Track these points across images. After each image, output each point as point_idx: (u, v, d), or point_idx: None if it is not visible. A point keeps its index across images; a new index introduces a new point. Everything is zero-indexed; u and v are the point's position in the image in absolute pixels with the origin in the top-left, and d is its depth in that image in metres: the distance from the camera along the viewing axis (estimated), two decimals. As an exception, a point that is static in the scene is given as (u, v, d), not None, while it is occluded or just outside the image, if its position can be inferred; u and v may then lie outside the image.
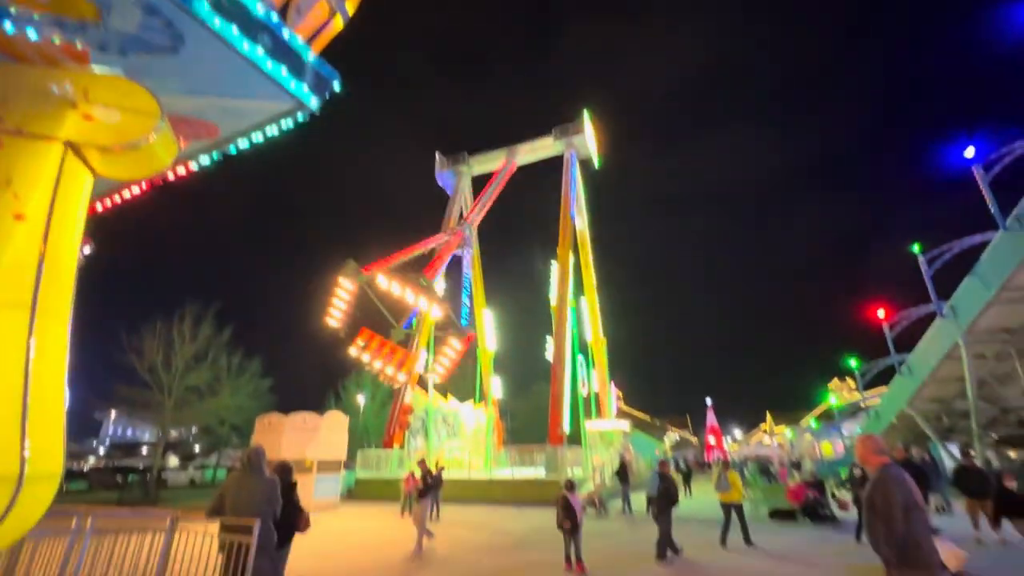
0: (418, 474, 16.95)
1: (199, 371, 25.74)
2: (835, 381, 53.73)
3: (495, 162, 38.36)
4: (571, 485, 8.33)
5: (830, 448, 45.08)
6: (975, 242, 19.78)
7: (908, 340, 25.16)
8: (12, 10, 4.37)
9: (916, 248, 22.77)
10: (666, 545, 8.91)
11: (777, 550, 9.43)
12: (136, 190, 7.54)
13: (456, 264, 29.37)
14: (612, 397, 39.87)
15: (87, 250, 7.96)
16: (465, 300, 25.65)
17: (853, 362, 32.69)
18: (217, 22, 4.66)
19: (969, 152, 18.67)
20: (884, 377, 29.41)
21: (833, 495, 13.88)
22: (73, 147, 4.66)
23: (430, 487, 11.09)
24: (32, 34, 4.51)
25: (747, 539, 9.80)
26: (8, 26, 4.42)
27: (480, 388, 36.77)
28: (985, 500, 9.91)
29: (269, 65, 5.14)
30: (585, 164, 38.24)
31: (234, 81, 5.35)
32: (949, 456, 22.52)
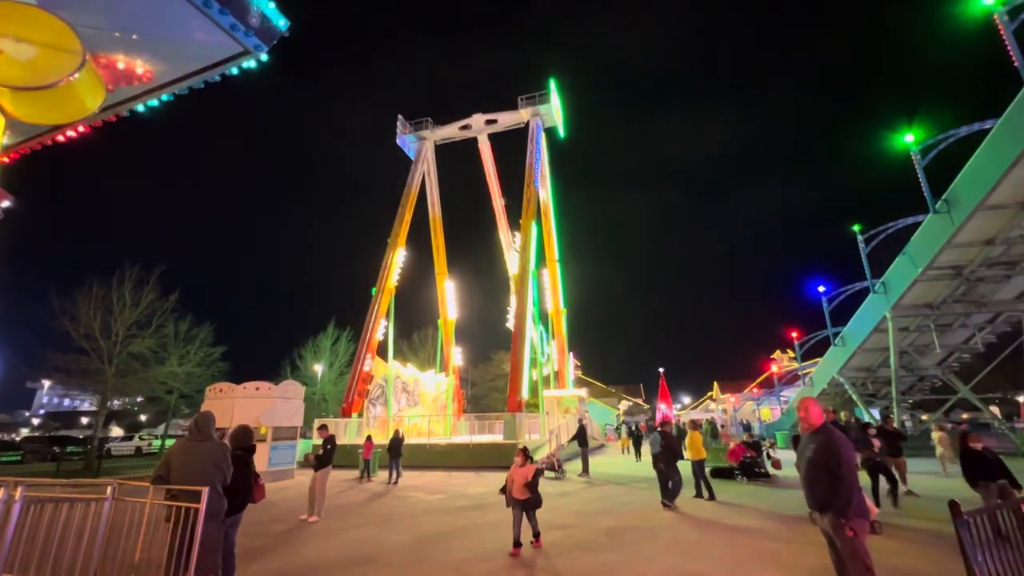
0: (371, 438, 17.02)
1: (142, 338, 24.36)
2: (777, 352, 57.31)
3: (459, 129, 37.37)
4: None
5: (769, 413, 48.51)
6: (908, 223, 21.21)
7: (845, 314, 27.04)
8: None
9: (856, 228, 24.18)
10: (675, 494, 9.91)
11: (722, 501, 10.31)
12: (62, 137, 6.85)
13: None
14: (570, 366, 40.97)
15: (6, 204, 7.23)
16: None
17: (794, 334, 34.94)
18: (147, -50, 4.20)
19: (909, 138, 19.76)
20: (821, 348, 31.60)
21: (768, 455, 14.98)
22: (-21, 84, 4.14)
23: (328, 455, 10.04)
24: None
25: (711, 494, 10.70)
26: None
27: (441, 357, 36.88)
28: (899, 458, 11.09)
29: (208, 4, 4.70)
30: (551, 135, 37.86)
31: (169, 19, 4.87)
32: (872, 419, 24.71)
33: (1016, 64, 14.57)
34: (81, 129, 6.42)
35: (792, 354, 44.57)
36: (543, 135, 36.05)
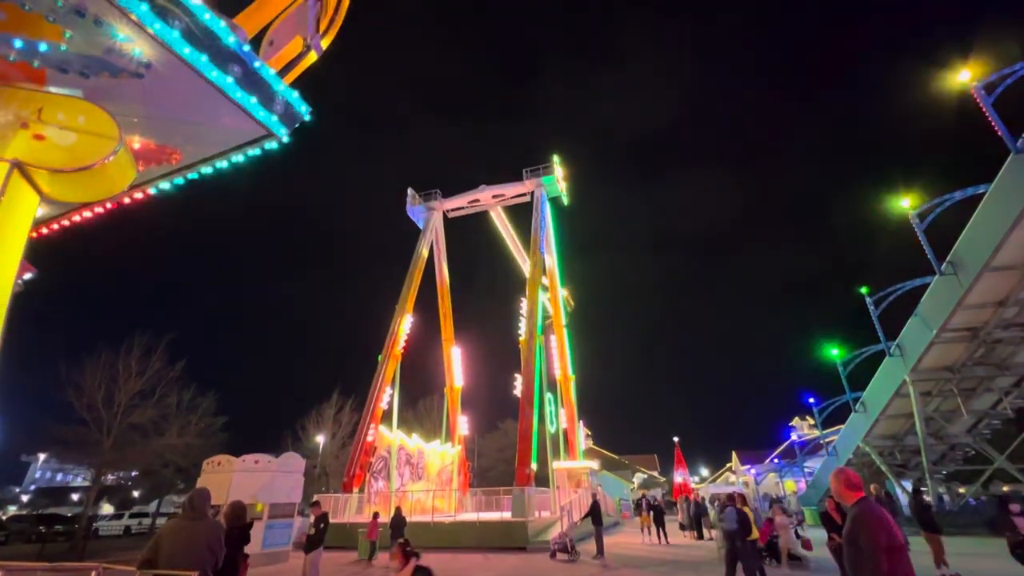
0: (380, 516, 16.07)
1: (144, 408, 24.01)
2: (796, 419, 55.06)
3: (467, 200, 38.93)
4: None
5: (793, 485, 45.67)
6: (916, 285, 21.16)
7: (862, 378, 26.25)
8: (-33, 27, 4.24)
9: (864, 290, 24.12)
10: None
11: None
12: (88, 213, 7.21)
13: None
14: (581, 435, 39.45)
15: (29, 275, 7.48)
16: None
17: (811, 400, 33.75)
18: (187, 50, 4.66)
19: (906, 203, 20.26)
20: (842, 414, 30.38)
21: (797, 534, 13.92)
22: (20, 167, 4.45)
23: (320, 535, 9.44)
24: (-14, 51, 4.37)
25: None
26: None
27: (447, 426, 35.77)
28: (933, 534, 10.30)
29: (238, 94, 5.13)
30: (557, 203, 39.29)
31: (201, 108, 5.30)
32: (904, 492, 23.14)
33: (999, 132, 15.24)
34: (108, 206, 6.78)
35: (812, 421, 42.76)
36: (547, 204, 37.39)
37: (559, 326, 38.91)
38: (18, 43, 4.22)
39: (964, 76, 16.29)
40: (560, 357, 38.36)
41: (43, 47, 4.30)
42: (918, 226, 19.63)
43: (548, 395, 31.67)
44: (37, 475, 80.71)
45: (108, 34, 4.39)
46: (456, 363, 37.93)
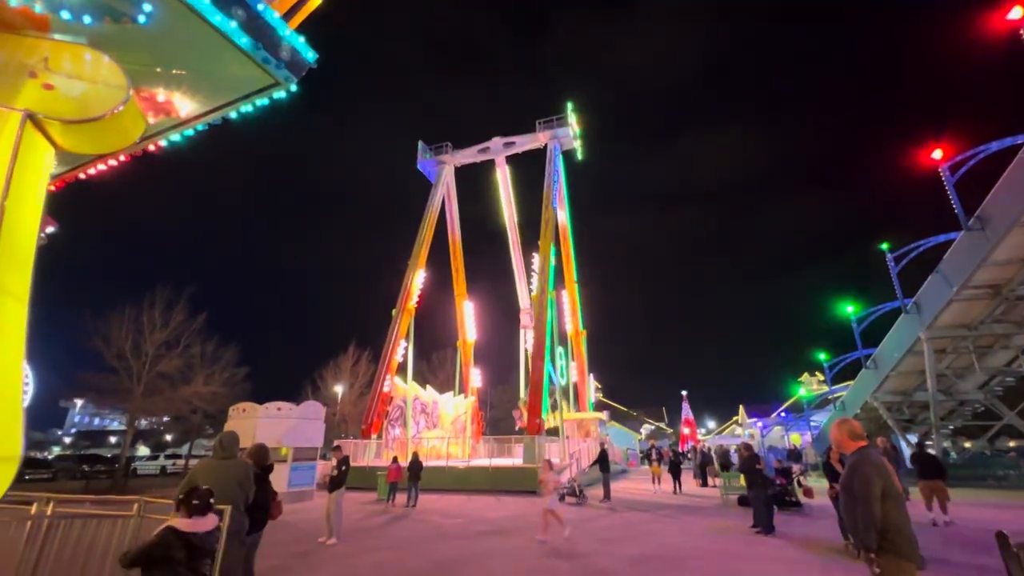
0: (391, 460, 16.93)
1: (170, 358, 25.04)
2: (805, 375, 55.42)
3: (479, 153, 38.06)
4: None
5: (798, 438, 46.67)
6: (939, 241, 20.55)
7: (875, 335, 26.10)
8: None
9: (885, 246, 23.52)
10: (770, 517, 9.40)
11: (750, 532, 9.82)
12: (103, 166, 7.23)
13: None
14: (591, 388, 40.36)
15: (50, 229, 7.63)
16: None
17: (822, 356, 33.81)
18: (188, -8, 4.48)
19: (937, 154, 19.31)
20: (852, 371, 30.46)
21: (799, 483, 14.36)
22: (32, 118, 4.44)
23: (342, 477, 9.89)
24: (-13, -4, 4.26)
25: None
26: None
27: (460, 378, 36.80)
28: (936, 480, 10.56)
29: (243, 40, 4.97)
30: (569, 157, 38.23)
31: (206, 55, 5.16)
32: (909, 446, 23.52)
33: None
34: (122, 158, 6.78)
35: (821, 377, 43.03)
36: (561, 158, 36.43)
37: (570, 282, 38.91)
38: (18, -14, 4.11)
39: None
40: (571, 312, 38.61)
41: (43, -10, 4.18)
42: (948, 179, 18.81)
43: (559, 349, 32.18)
44: (76, 419, 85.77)
45: (107, -25, 4.23)
46: (469, 317, 38.48)
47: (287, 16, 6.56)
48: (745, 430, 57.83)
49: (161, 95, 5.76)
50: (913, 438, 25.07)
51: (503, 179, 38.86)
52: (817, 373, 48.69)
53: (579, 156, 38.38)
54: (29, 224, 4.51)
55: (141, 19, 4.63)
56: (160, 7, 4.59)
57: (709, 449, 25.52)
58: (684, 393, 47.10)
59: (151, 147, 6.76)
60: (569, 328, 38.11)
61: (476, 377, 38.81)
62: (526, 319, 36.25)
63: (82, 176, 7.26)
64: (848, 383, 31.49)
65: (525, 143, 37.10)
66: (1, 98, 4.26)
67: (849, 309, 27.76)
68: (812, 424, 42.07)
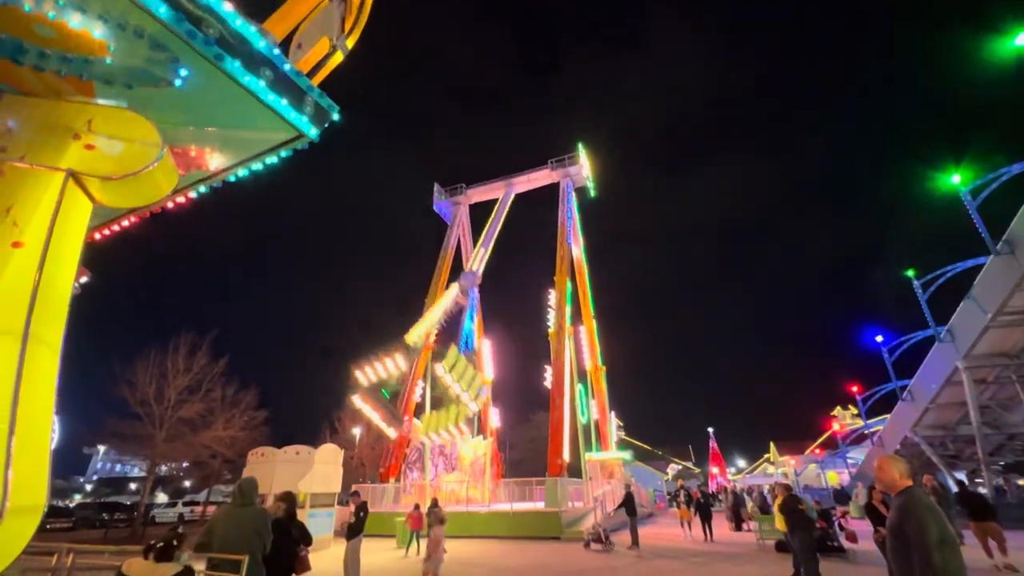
0: (413, 508, 16.45)
1: (192, 403, 25.30)
2: (838, 409, 53.07)
3: (492, 192, 38.94)
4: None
5: (836, 477, 44.20)
6: (968, 266, 19.98)
7: (908, 365, 25.07)
8: (23, 46, 4.51)
9: (910, 273, 22.95)
10: (817, 565, 8.50)
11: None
12: (135, 218, 7.59)
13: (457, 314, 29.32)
14: (613, 427, 39.23)
15: (84, 279, 7.95)
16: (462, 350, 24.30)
17: (855, 388, 32.47)
18: (221, 56, 4.81)
19: (956, 178, 19.08)
20: (887, 403, 29.12)
21: (841, 526, 13.48)
22: (74, 176, 4.72)
23: (360, 524, 9.61)
24: (40, 68, 4.63)
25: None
26: (18, 60, 4.55)
27: (479, 418, 36.18)
28: (988, 522, 9.79)
29: (270, 97, 5.27)
30: (582, 193, 38.83)
31: (235, 112, 5.48)
32: (957, 484, 22.07)
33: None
34: (154, 210, 7.12)
35: (855, 410, 41.19)
36: (573, 194, 37.01)
37: (588, 317, 38.63)
38: (69, 59, 4.46)
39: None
40: (590, 348, 38.12)
41: (91, 61, 4.53)
42: (970, 203, 18.48)
43: (579, 386, 31.60)
44: (98, 466, 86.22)
45: (148, 45, 4.58)
46: (486, 356, 38.25)
47: (311, 73, 6.98)
48: (778, 468, 55.09)
49: (192, 150, 6.10)
50: (961, 476, 23.54)
51: (498, 210, 38.12)
52: (850, 406, 46.61)
53: (591, 193, 38.97)
54: (66, 276, 4.71)
55: (177, 83, 4.97)
56: (195, 71, 4.92)
57: (742, 490, 24.30)
58: (710, 431, 45.40)
59: (181, 199, 7.10)
60: (588, 364, 37.52)
61: (495, 417, 38.11)
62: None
63: (116, 228, 7.62)
64: (884, 417, 30.05)
65: (538, 181, 37.89)
66: (47, 159, 4.56)
67: (878, 338, 26.85)
68: (849, 461, 39.92)
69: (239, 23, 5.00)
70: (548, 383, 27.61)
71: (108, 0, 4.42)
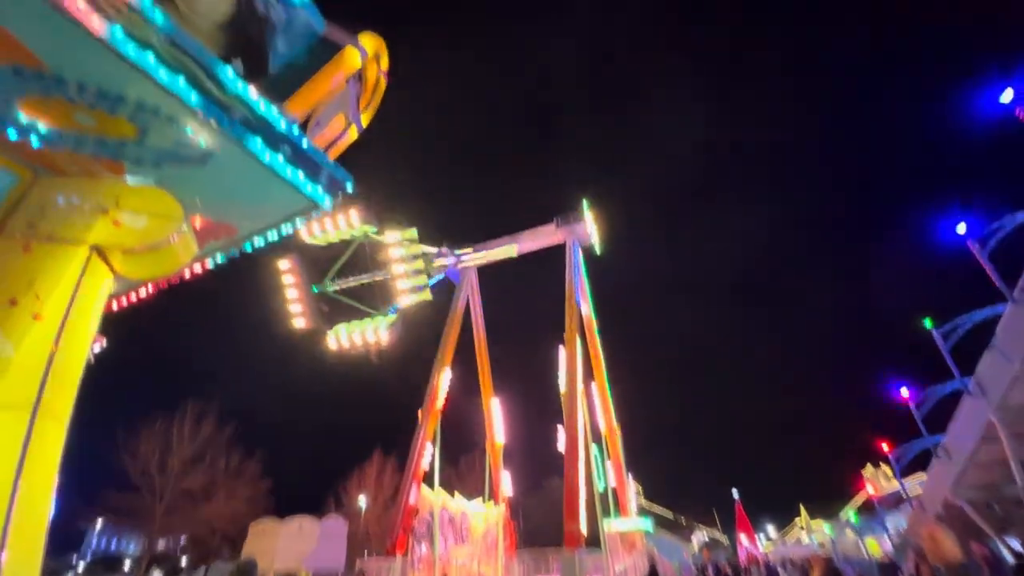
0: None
1: (195, 474, 24.61)
2: (869, 468, 50.10)
3: (498, 252, 39.63)
4: None
5: (876, 545, 40.92)
6: (986, 316, 19.59)
7: (939, 419, 23.94)
8: (60, 131, 4.85)
9: (928, 323, 22.51)
10: None
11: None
12: (151, 287, 7.79)
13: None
14: (631, 491, 37.24)
15: (98, 348, 8.03)
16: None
17: (885, 447, 30.84)
18: (245, 138, 5.13)
19: (961, 228, 19.17)
20: (922, 461, 27.55)
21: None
22: (98, 250, 4.90)
23: None
24: (77, 152, 4.95)
25: None
26: (57, 146, 4.88)
27: (490, 484, 34.60)
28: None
29: (288, 172, 5.56)
30: (589, 249, 39.39)
31: (254, 185, 5.76)
32: (1009, 552, 20.31)
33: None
34: (172, 281, 7.31)
35: (888, 470, 38.90)
36: (579, 252, 37.53)
37: (600, 376, 37.89)
38: (104, 143, 4.78)
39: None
40: (603, 408, 37.05)
41: (125, 144, 4.85)
42: (980, 252, 18.44)
43: (593, 448, 30.39)
44: (93, 543, 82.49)
45: (178, 129, 4.91)
46: (497, 417, 37.22)
47: (328, 148, 7.40)
48: (810, 535, 51.30)
49: (211, 222, 6.36)
50: (1015, 543, 21.72)
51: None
52: (883, 466, 44.03)
53: (597, 251, 39.51)
54: (82, 347, 4.77)
55: (202, 161, 5.27)
56: (220, 150, 5.23)
57: (775, 562, 22.51)
58: (736, 495, 42.79)
59: (197, 268, 7.30)
60: (602, 425, 36.27)
61: (507, 482, 36.45)
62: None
63: (133, 298, 7.80)
64: (920, 476, 28.33)
65: (543, 240, 38.58)
66: (74, 235, 4.76)
67: (904, 392, 25.87)
68: (889, 528, 37.15)
69: (263, 107, 5.37)
70: (561, 446, 26.59)
71: (145, 89, 4.80)
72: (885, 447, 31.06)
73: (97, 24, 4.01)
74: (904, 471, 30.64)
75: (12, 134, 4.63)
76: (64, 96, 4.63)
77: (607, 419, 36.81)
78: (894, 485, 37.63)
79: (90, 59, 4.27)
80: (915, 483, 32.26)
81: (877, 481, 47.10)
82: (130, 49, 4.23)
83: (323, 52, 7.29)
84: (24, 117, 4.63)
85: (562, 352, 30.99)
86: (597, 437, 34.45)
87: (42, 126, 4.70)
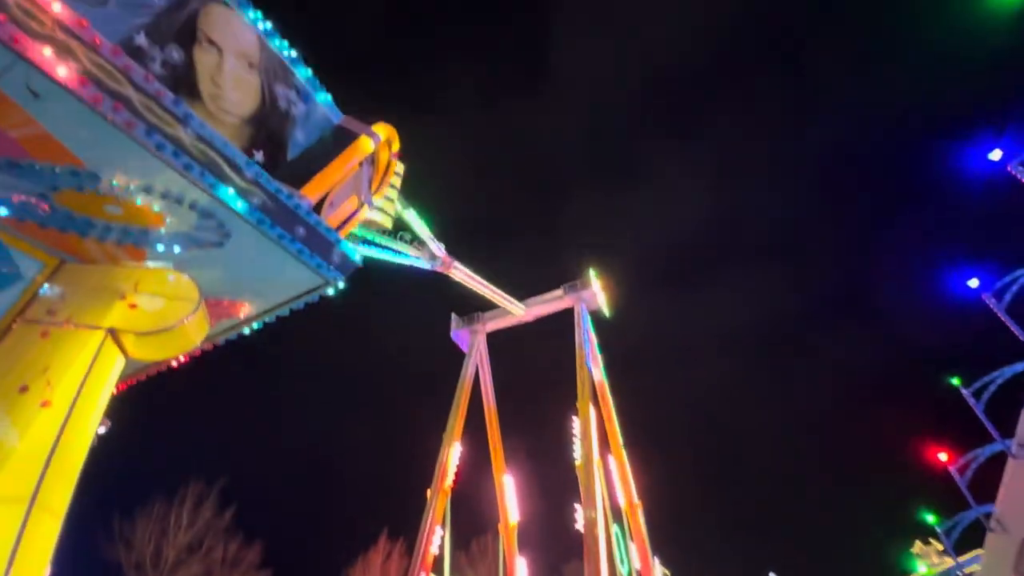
0: None
1: (190, 564, 23.12)
2: (918, 544, 45.82)
3: (509, 318, 39.60)
4: None
5: (940, 637, 36.51)
6: (1017, 371, 18.86)
7: (984, 485, 22.24)
8: (92, 222, 5.11)
9: (956, 382, 21.62)
10: None
11: None
12: (163, 368, 7.77)
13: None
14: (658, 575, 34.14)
15: (102, 429, 7.89)
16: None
17: (931, 518, 28.42)
18: (262, 221, 5.36)
19: (973, 283, 19.01)
20: (975, 534, 25.25)
21: None
22: (113, 333, 4.97)
23: None
24: (103, 240, 5.18)
25: None
26: (85, 234, 5.12)
27: (504, 570, 31.99)
28: None
29: (302, 251, 5.74)
30: (599, 314, 39.25)
31: (269, 264, 5.93)
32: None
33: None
34: (181, 359, 7.32)
35: (939, 545, 35.54)
36: (588, 317, 37.39)
37: (616, 446, 36.23)
38: (130, 231, 5.02)
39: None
40: (622, 481, 35.02)
41: (148, 232, 5.08)
42: (998, 307, 18.12)
43: (614, 528, 28.39)
44: (76, 647, 75.97)
45: (199, 215, 5.16)
46: (510, 494, 35.20)
47: (341, 226, 7.68)
48: (864, 626, 45.97)
49: (225, 301, 6.49)
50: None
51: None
52: (933, 541, 40.29)
53: (607, 315, 39.38)
54: (87, 432, 4.69)
55: (221, 243, 5.48)
56: (237, 233, 5.45)
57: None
58: (773, 577, 39.02)
59: (208, 346, 7.33)
60: (622, 500, 34.06)
61: (522, 569, 33.68)
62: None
63: (142, 378, 7.78)
64: (976, 552, 25.81)
65: (551, 306, 38.62)
66: (91, 320, 4.86)
67: (942, 457, 24.31)
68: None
69: (280, 192, 5.67)
70: (579, 525, 24.87)
71: (171, 180, 5.10)
72: (931, 519, 28.64)
73: (134, 126, 4.35)
74: (957, 546, 27.96)
75: (44, 223, 4.89)
76: (96, 189, 4.93)
77: (627, 494, 34.63)
78: (947, 563, 34.26)
79: (124, 156, 4.59)
80: (972, 561, 29.36)
81: (929, 558, 42.90)
82: (161, 146, 4.55)
83: (339, 139, 7.79)
84: (58, 208, 4.91)
85: (575, 421, 29.94)
86: (618, 515, 32.27)
87: (74, 216, 4.97)
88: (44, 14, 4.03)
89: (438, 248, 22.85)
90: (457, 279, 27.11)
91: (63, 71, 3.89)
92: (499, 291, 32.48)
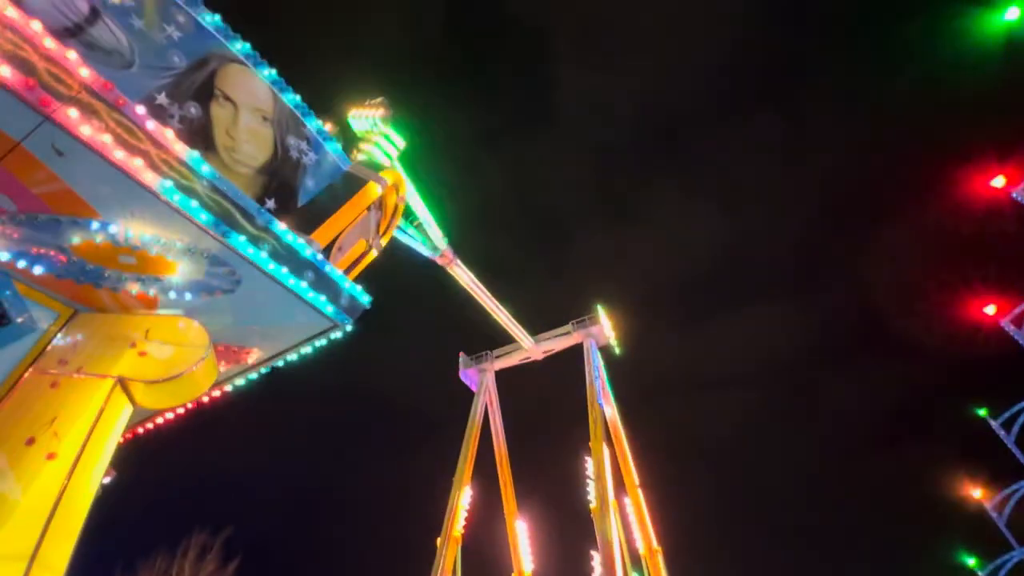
0: None
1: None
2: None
3: (516, 356, 39.18)
4: None
5: None
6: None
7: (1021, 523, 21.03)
8: (106, 272, 5.21)
9: (983, 412, 20.86)
10: None
11: None
12: (171, 415, 7.71)
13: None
14: (683, 629, 32.02)
15: (107, 480, 7.76)
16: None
17: (971, 562, 26.73)
18: (272, 266, 5.45)
19: (990, 309, 18.63)
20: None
21: None
22: (122, 382, 4.97)
23: None
24: (116, 289, 5.28)
25: None
26: (99, 284, 5.21)
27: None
28: None
29: (311, 295, 5.80)
30: (609, 350, 38.73)
31: (278, 308, 5.98)
32: None
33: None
34: (189, 406, 7.28)
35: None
36: (598, 353, 36.88)
37: (632, 487, 34.87)
38: (143, 280, 5.11)
39: None
40: (640, 525, 33.48)
41: (161, 280, 5.17)
42: (1017, 334, 17.69)
43: (634, 575, 26.94)
44: None
45: (210, 262, 5.26)
46: (523, 540, 33.73)
47: (349, 269, 7.79)
48: None
49: (235, 346, 6.51)
50: None
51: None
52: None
53: (616, 351, 38.84)
54: (92, 483, 4.60)
55: (231, 290, 5.56)
56: (248, 279, 5.53)
57: None
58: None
59: (216, 392, 7.30)
60: (641, 545, 32.43)
61: (539, 624, 31.83)
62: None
63: (149, 426, 7.71)
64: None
65: (561, 342, 38.21)
66: (101, 368, 4.88)
67: (976, 494, 23.14)
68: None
69: (290, 238, 5.79)
70: (597, 574, 23.65)
71: (185, 230, 5.24)
72: (972, 562, 26.95)
73: (151, 179, 4.52)
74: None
75: (61, 274, 4.99)
76: (113, 240, 5.07)
77: (645, 538, 33.03)
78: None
79: (140, 208, 4.75)
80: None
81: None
82: (177, 198, 4.71)
83: (348, 186, 8.00)
84: (74, 259, 5.04)
85: (588, 461, 29.00)
86: (636, 561, 30.67)
87: (89, 267, 5.08)
88: (71, 77, 4.28)
89: (441, 240, 23.20)
90: (456, 277, 27.43)
91: (87, 130, 4.08)
92: (502, 307, 32.32)
